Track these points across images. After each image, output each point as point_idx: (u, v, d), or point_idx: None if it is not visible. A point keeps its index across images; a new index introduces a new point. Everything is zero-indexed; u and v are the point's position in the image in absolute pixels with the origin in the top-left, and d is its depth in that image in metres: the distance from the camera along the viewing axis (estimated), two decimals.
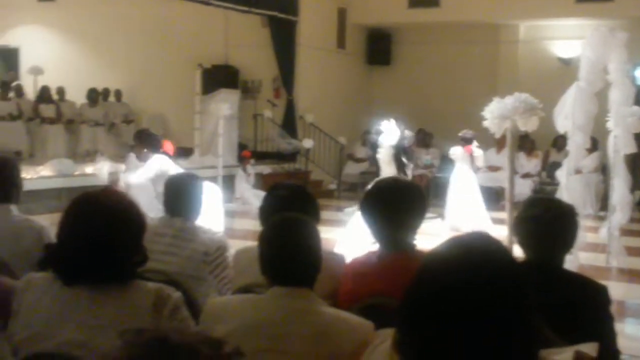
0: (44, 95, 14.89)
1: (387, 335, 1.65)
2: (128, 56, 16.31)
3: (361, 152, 16.04)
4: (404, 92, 16.45)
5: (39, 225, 3.71)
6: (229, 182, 12.81)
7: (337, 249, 5.05)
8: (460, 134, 11.32)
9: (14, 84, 15.61)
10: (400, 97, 16.35)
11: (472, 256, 1.51)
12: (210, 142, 13.69)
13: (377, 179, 3.24)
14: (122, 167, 9.39)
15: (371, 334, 2.15)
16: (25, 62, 17.92)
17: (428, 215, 3.13)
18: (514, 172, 5.99)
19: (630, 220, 8.73)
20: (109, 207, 2.24)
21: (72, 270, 2.21)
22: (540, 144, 14.27)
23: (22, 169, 4.02)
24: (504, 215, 7.47)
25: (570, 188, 7.31)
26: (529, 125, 5.50)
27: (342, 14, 16.23)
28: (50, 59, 17.12)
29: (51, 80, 15.67)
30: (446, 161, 13.96)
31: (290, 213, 2.56)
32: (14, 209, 3.76)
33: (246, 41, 15.32)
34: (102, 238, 2.19)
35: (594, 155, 12.87)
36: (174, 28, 15.69)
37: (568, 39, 14.86)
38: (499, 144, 13.45)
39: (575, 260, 4.00)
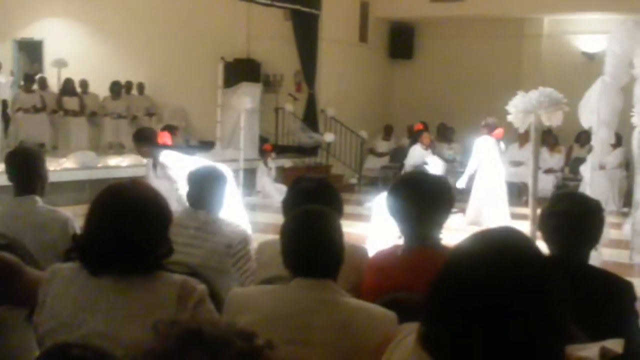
0: (67, 87, 15.01)
1: (411, 329, 1.65)
2: (151, 49, 16.36)
3: (382, 146, 16.01)
4: (426, 87, 16.39)
5: (64, 216, 3.74)
6: (250, 176, 12.84)
7: (366, 244, 5.05)
8: (483, 123, 11.10)
9: (37, 76, 15.74)
10: (422, 92, 16.30)
11: (498, 251, 1.51)
12: (232, 135, 13.73)
13: (403, 173, 3.23)
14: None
15: (394, 325, 2.15)
16: (49, 54, 18.06)
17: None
18: (537, 167, 5.93)
19: None
20: (136, 198, 2.25)
21: (98, 261, 2.23)
22: (563, 140, 14.16)
23: (46, 161, 4.05)
24: (526, 210, 7.43)
25: (593, 184, 7.25)
26: (553, 120, 5.46)
27: (364, 8, 16.17)
28: (74, 51, 17.22)
29: (75, 73, 15.78)
30: (468, 156, 13.91)
31: (311, 205, 2.56)
32: (39, 200, 3.80)
33: (268, 35, 15.32)
34: (128, 229, 2.20)
35: (618, 151, 12.75)
36: (197, 21, 15.72)
37: (592, 33, 14.71)
38: (522, 139, 13.37)
39: (598, 256, 3.97)
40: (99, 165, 11.46)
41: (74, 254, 2.29)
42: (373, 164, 15.79)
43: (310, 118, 15.09)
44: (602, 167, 9.11)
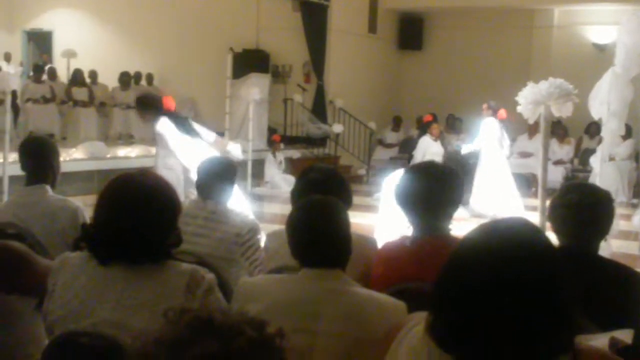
0: (76, 78, 15.03)
1: (420, 318, 1.65)
2: (160, 40, 16.37)
3: (391, 137, 15.99)
4: (435, 77, 16.34)
5: (74, 205, 3.75)
6: (258, 166, 12.85)
7: (375, 235, 5.04)
8: (485, 105, 10.86)
9: (47, 67, 15.78)
10: (431, 82, 16.26)
11: (507, 242, 1.50)
12: (241, 126, 13.73)
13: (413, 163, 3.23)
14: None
15: (404, 315, 2.15)
16: (59, 45, 18.10)
17: None
18: (547, 158, 5.91)
19: None
20: (145, 188, 2.26)
21: (108, 250, 2.23)
22: (573, 131, 14.11)
23: (59, 153, 4.07)
24: (535, 202, 7.41)
25: (603, 175, 7.21)
26: (563, 111, 5.42)
27: None
28: (83, 42, 17.26)
29: (84, 63, 15.81)
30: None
31: (317, 196, 2.55)
32: (49, 189, 3.81)
33: (277, 25, 15.30)
34: (137, 219, 2.20)
35: (627, 143, 12.69)
36: (206, 12, 15.72)
37: (603, 24, 14.63)
38: (531, 130, 13.33)
39: (607, 247, 3.96)
40: (108, 155, 11.49)
41: (83, 244, 2.30)
42: (382, 154, 15.77)
43: (319, 109, 15.07)
44: (611, 159, 9.07)
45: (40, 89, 14.30)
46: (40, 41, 19.04)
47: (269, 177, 12.93)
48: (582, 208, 2.72)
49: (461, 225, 2.93)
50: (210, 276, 2.25)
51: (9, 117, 9.02)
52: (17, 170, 4.05)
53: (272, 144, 13.37)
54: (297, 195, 3.19)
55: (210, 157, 4.23)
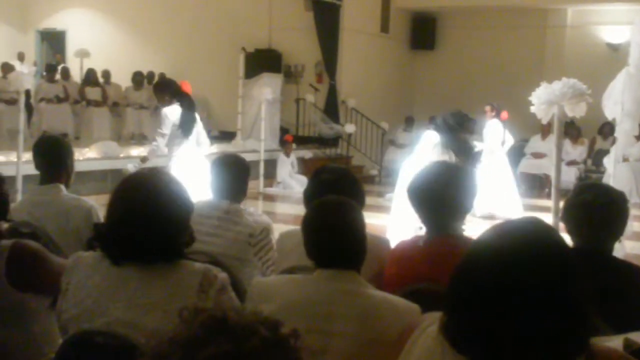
0: (90, 78, 15.09)
1: (434, 319, 1.65)
2: (172, 40, 16.42)
3: (403, 137, 15.96)
4: (447, 77, 16.31)
5: (88, 204, 3.76)
6: (270, 167, 12.86)
7: (388, 235, 5.04)
8: (488, 107, 10.88)
9: (60, 66, 15.85)
10: (444, 83, 16.23)
11: (521, 242, 1.50)
12: (253, 126, 13.76)
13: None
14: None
15: (418, 318, 2.14)
16: (72, 45, 18.18)
17: None
18: (560, 159, 5.88)
19: None
20: (158, 187, 2.26)
21: (121, 250, 2.23)
22: (586, 131, 14.05)
23: (74, 153, 4.08)
24: (548, 203, 7.38)
25: (617, 176, 7.19)
26: (577, 111, 5.38)
27: None
28: (96, 42, 17.33)
29: (97, 63, 15.87)
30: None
31: (333, 196, 2.55)
32: (63, 188, 3.83)
33: (289, 25, 15.31)
34: (150, 218, 2.20)
35: None
36: (218, 12, 15.75)
37: (616, 24, 14.58)
38: (544, 130, 13.28)
39: (621, 249, 3.93)
40: (121, 155, 11.52)
41: (96, 243, 2.31)
42: (394, 155, 15.74)
43: (331, 109, 15.07)
44: (625, 159, 9.03)
45: (53, 88, 14.37)
46: (53, 41, 19.14)
47: (281, 178, 12.93)
48: (596, 208, 2.70)
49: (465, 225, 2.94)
50: (222, 275, 2.25)
51: (22, 116, 9.07)
52: (31, 169, 4.07)
53: (284, 144, 13.37)
54: (310, 195, 3.19)
55: (223, 156, 4.23)
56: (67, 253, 2.95)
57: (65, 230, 3.64)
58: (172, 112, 7.44)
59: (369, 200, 3.27)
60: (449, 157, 6.49)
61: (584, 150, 14.02)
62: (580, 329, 1.48)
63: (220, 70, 15.27)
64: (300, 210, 2.54)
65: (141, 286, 2.20)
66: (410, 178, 3.01)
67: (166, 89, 7.66)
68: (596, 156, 13.36)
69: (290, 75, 15.53)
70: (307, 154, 14.22)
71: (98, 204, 3.89)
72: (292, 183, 12.64)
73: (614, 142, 7.58)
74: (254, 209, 4.03)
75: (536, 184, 14.08)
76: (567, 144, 13.64)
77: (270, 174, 12.89)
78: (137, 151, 12.16)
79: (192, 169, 7.17)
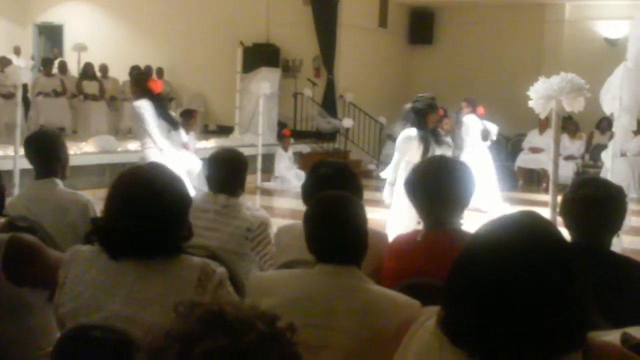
0: (87, 72, 15.06)
1: (431, 313, 1.65)
2: (170, 34, 16.39)
3: None
4: (445, 72, 16.29)
5: (84, 199, 3.76)
6: (268, 161, 12.86)
7: (386, 229, 5.04)
8: (464, 103, 10.83)
9: (57, 60, 15.82)
10: (442, 77, 16.20)
11: (519, 236, 1.50)
12: (250, 120, 13.75)
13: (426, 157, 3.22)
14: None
15: (418, 314, 2.14)
16: (69, 39, 18.15)
17: None
18: (558, 153, 5.88)
19: None
20: (156, 181, 2.25)
21: (119, 244, 2.23)
22: (584, 126, 14.06)
23: (66, 145, 4.07)
24: (546, 197, 7.39)
25: (614, 171, 7.19)
26: (575, 106, 5.39)
27: None
28: (93, 36, 17.30)
29: (94, 57, 15.84)
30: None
31: (335, 191, 2.54)
32: (59, 183, 3.82)
33: (287, 19, 15.29)
34: (148, 212, 2.20)
35: (639, 138, 12.64)
36: (217, 6, 15.73)
37: (615, 19, 14.57)
38: (542, 125, 13.28)
39: (619, 243, 3.94)
40: (119, 149, 11.51)
41: (94, 237, 2.30)
42: (392, 149, 15.71)
43: (329, 103, 15.07)
44: (623, 154, 9.03)
45: (50, 82, 14.35)
46: (51, 35, 19.11)
47: (279, 172, 12.93)
48: (595, 203, 2.70)
49: None
50: (221, 270, 2.25)
51: (20, 110, 9.07)
52: (28, 163, 4.06)
53: (282, 139, 13.36)
54: (308, 190, 3.19)
55: (221, 149, 4.23)
56: (64, 248, 2.94)
57: (62, 225, 3.63)
58: (146, 107, 7.63)
59: (366, 194, 3.27)
60: (432, 152, 6.38)
61: (582, 145, 14.03)
62: (577, 324, 1.48)
63: (218, 65, 15.25)
64: (297, 204, 2.54)
65: (139, 281, 2.19)
66: (409, 172, 3.01)
67: (136, 82, 8.07)
68: (594, 151, 13.37)
69: (288, 70, 15.52)
70: (305, 148, 14.22)
71: (95, 198, 3.89)
72: (290, 177, 12.64)
73: (611, 136, 7.59)
74: (251, 204, 4.02)
75: (534, 179, 14.10)
76: (565, 138, 13.64)
77: (268, 169, 12.89)
78: (135, 145, 12.15)
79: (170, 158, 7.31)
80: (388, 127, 15.74)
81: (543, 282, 1.44)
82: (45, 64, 14.89)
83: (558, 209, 3.02)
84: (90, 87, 14.77)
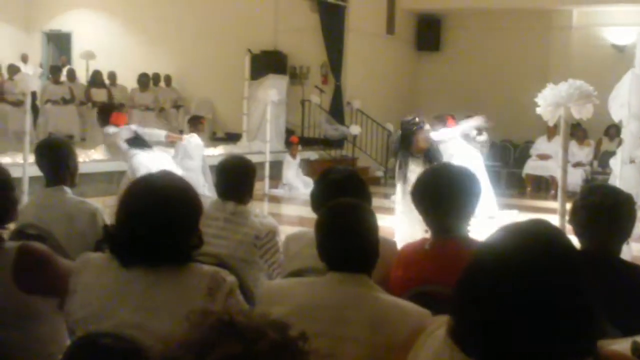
0: (95, 79, 15.12)
1: (441, 322, 1.64)
2: (178, 41, 16.43)
3: None
4: (453, 79, 16.28)
5: (93, 207, 3.77)
6: (276, 168, 12.87)
7: (394, 237, 5.04)
8: (433, 119, 10.67)
9: (66, 68, 15.87)
10: (450, 84, 16.20)
11: (529, 244, 1.49)
12: (258, 127, 13.76)
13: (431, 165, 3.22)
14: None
15: (428, 322, 2.14)
16: (78, 46, 18.21)
17: None
18: (566, 160, 5.87)
19: None
20: (168, 189, 2.26)
21: (130, 252, 2.23)
22: (592, 133, 14.01)
23: (75, 153, 4.09)
24: (554, 204, 7.37)
25: (623, 177, 7.18)
26: (583, 112, 5.38)
27: (391, 0, 16.11)
28: (102, 44, 17.36)
29: (103, 65, 15.90)
30: (495, 149, 13.85)
31: (347, 198, 2.54)
32: (68, 191, 3.84)
33: (295, 26, 15.30)
34: (160, 220, 2.21)
35: None
36: (224, 13, 15.76)
37: (622, 25, 14.54)
38: (550, 132, 13.26)
39: (629, 251, 3.92)
40: None
41: (105, 245, 2.31)
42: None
43: (337, 110, 15.06)
44: (632, 161, 8.99)
45: (59, 90, 14.41)
46: (59, 42, 19.18)
47: (287, 179, 12.93)
48: (604, 211, 2.70)
49: None
50: (231, 279, 2.25)
51: (28, 118, 9.10)
52: (37, 171, 4.09)
53: (290, 146, 13.36)
54: (317, 196, 3.19)
55: (229, 157, 4.24)
56: (73, 256, 2.95)
57: (71, 233, 3.64)
58: (116, 133, 8.29)
59: (374, 201, 3.27)
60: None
61: (590, 152, 13.99)
62: (587, 332, 1.47)
63: (225, 72, 15.28)
64: (305, 211, 2.55)
65: (149, 289, 2.20)
66: (416, 180, 3.01)
67: (100, 114, 8.93)
68: (602, 158, 13.33)
69: (296, 77, 15.53)
70: (313, 155, 14.22)
71: (104, 206, 3.90)
72: (298, 184, 12.64)
73: (620, 143, 7.58)
74: (259, 211, 4.03)
75: (542, 186, 14.07)
76: (574, 145, 13.62)
77: (276, 176, 12.89)
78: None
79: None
80: (395, 134, 15.72)
81: (552, 291, 1.44)
82: (53, 72, 14.95)
83: (567, 217, 3.02)
84: (99, 94, 14.83)
